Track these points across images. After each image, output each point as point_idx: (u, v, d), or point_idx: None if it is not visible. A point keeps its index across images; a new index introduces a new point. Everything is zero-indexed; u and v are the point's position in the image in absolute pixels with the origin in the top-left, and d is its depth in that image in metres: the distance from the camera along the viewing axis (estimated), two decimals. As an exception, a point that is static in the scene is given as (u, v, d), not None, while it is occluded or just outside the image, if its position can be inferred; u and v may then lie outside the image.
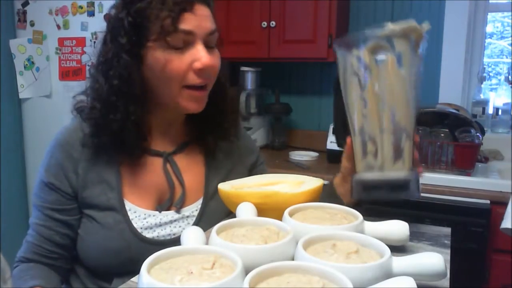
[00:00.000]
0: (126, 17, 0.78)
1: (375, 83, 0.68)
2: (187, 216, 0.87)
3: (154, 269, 0.48)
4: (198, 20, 0.78)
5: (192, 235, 0.57)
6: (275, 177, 0.80)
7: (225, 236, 0.57)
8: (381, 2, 2.32)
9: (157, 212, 0.85)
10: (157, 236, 0.84)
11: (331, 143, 2.13)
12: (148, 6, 0.77)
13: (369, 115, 0.69)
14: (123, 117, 0.79)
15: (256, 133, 2.44)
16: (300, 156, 2.22)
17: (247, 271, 0.45)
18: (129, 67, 0.78)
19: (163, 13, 0.75)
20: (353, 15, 2.39)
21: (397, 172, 0.69)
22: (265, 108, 2.49)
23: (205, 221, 0.87)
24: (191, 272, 0.46)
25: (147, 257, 0.75)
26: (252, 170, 1.02)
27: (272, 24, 2.24)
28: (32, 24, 2.28)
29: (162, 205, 0.86)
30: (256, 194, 0.71)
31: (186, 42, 0.78)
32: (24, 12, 2.29)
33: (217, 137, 0.92)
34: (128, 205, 0.83)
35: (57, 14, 2.22)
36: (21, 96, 2.34)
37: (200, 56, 0.78)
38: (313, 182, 0.76)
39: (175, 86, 0.79)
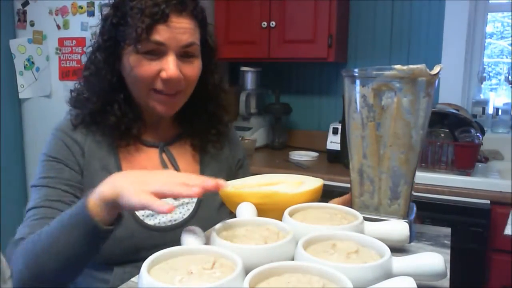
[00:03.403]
0: (111, 17, 0.84)
1: (378, 124, 0.67)
2: (187, 203, 0.90)
3: (154, 269, 0.47)
4: (173, 32, 0.82)
5: (192, 235, 0.57)
6: (275, 177, 0.80)
7: (225, 236, 0.57)
8: (381, 2, 2.32)
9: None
10: (159, 223, 0.86)
11: (331, 143, 2.13)
12: (129, 12, 0.81)
13: (369, 156, 0.68)
14: (101, 107, 0.86)
15: (256, 133, 2.44)
16: (300, 156, 2.22)
17: (247, 271, 0.45)
18: (101, 63, 0.86)
19: (139, 22, 0.80)
20: (353, 15, 2.39)
21: (393, 214, 0.69)
22: (265, 108, 2.49)
23: (203, 207, 0.91)
24: (191, 272, 0.46)
25: (150, 244, 0.78)
26: (239, 166, 1.06)
27: (272, 24, 2.24)
28: (32, 24, 2.28)
29: None
30: (256, 194, 0.71)
31: (158, 51, 0.82)
32: (24, 12, 2.29)
33: (209, 129, 0.97)
34: None
35: (57, 14, 2.22)
36: (21, 96, 2.34)
37: (167, 67, 0.82)
38: (313, 182, 0.76)
39: (143, 88, 0.85)
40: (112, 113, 0.87)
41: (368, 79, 0.66)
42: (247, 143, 2.24)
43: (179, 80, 0.83)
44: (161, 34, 0.81)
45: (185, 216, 0.88)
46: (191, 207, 0.90)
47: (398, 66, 0.63)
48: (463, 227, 1.62)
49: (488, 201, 1.64)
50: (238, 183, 0.78)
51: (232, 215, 0.69)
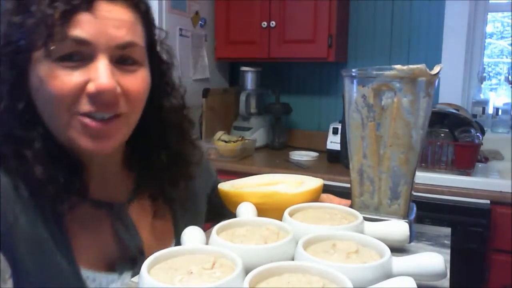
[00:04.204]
0: (10, 11, 0.57)
1: (378, 124, 0.66)
2: None
3: (154, 269, 0.47)
4: (102, 25, 0.56)
5: (192, 235, 0.57)
6: (275, 177, 0.80)
7: (225, 236, 0.57)
8: (381, 2, 2.32)
9: (118, 274, 0.65)
10: None
11: (331, 143, 2.13)
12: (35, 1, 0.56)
13: (369, 156, 0.68)
14: (13, 153, 0.57)
15: (256, 133, 2.44)
16: (300, 156, 2.22)
17: (247, 271, 0.45)
18: (7, 81, 0.57)
19: (48, 9, 0.54)
20: (353, 15, 2.39)
21: (393, 214, 0.69)
22: (265, 108, 2.49)
23: None
24: (191, 272, 0.46)
25: None
26: (213, 190, 0.87)
27: (272, 24, 2.24)
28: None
29: (120, 266, 0.65)
30: (256, 194, 0.71)
31: (80, 54, 0.56)
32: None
33: (174, 176, 0.73)
34: (85, 272, 0.62)
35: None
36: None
37: (96, 75, 0.56)
38: (313, 182, 0.76)
39: (61, 113, 0.56)
40: (33, 161, 0.57)
41: (368, 79, 0.66)
42: (247, 143, 2.24)
43: (115, 94, 0.57)
44: (84, 27, 0.55)
45: None
46: None
47: (398, 66, 0.63)
48: (463, 227, 1.62)
49: (488, 201, 1.64)
50: (238, 183, 0.78)
51: (232, 215, 0.69)
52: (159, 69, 0.69)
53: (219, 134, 2.25)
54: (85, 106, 0.56)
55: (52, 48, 0.54)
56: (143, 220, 0.70)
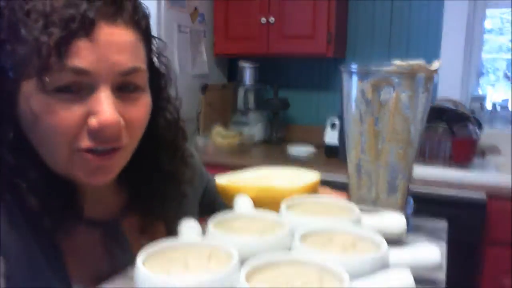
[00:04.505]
0: None
1: (376, 119, 0.66)
2: None
3: (149, 262, 0.47)
4: (103, 51, 0.50)
5: (187, 228, 0.57)
6: (272, 171, 0.80)
7: (221, 228, 0.57)
8: (379, 1, 2.32)
9: None
10: None
11: (329, 138, 2.13)
12: (23, 20, 0.48)
13: (367, 151, 0.68)
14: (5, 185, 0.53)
15: (254, 128, 2.44)
16: (298, 150, 2.22)
17: (243, 263, 0.45)
18: None
19: (42, 35, 0.47)
20: (352, 11, 2.38)
21: (390, 208, 0.69)
22: (263, 103, 2.49)
23: None
24: (187, 265, 0.46)
25: None
26: (204, 193, 0.85)
27: (271, 20, 2.24)
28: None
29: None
30: (253, 188, 0.71)
31: (80, 85, 0.50)
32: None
33: (166, 194, 0.69)
34: None
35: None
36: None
37: (100, 109, 0.50)
38: (311, 176, 0.76)
39: (60, 149, 0.52)
40: (28, 192, 0.53)
41: (366, 75, 0.65)
42: (245, 138, 2.24)
43: (118, 128, 0.52)
44: (83, 55, 0.49)
45: None
46: None
47: (397, 62, 0.63)
48: (459, 221, 1.62)
49: (485, 195, 1.65)
50: (235, 177, 0.77)
51: (223, 210, 0.68)
52: (158, 84, 0.64)
53: (217, 129, 2.24)
54: (86, 142, 0.51)
55: (47, 79, 0.48)
56: (135, 236, 0.67)
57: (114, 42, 0.51)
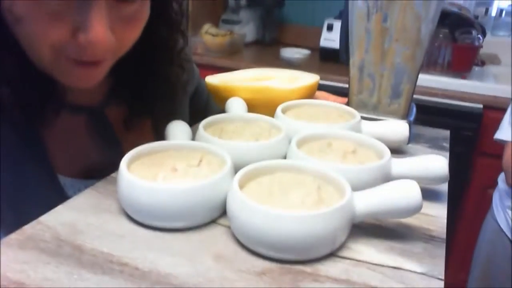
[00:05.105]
0: None
1: (385, 15, 0.60)
2: None
3: (135, 165, 0.43)
4: None
5: (177, 129, 0.53)
6: (267, 72, 0.74)
7: (213, 132, 0.53)
8: None
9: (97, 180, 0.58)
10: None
11: (325, 40, 2.03)
12: None
13: (372, 50, 0.63)
14: None
15: (246, 28, 2.31)
16: (291, 52, 2.13)
17: (236, 169, 0.41)
18: None
19: None
20: None
21: (392, 114, 0.65)
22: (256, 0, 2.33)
23: None
24: (176, 169, 0.42)
25: None
26: (195, 92, 0.80)
27: None
28: None
29: (100, 172, 0.56)
30: (247, 89, 0.66)
31: None
32: None
33: (158, 91, 0.66)
34: (63, 179, 0.59)
35: None
36: None
37: (89, 25, 0.44)
38: (308, 78, 0.71)
39: (45, 56, 0.47)
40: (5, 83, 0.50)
41: None
42: (236, 37, 2.13)
43: (108, 48, 0.47)
44: None
45: None
46: None
47: None
48: (453, 131, 1.62)
49: (481, 106, 1.62)
50: (227, 77, 0.72)
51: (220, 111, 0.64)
52: None
53: (207, 27, 2.12)
54: (72, 51, 0.46)
55: None
56: (121, 128, 0.64)
57: None
